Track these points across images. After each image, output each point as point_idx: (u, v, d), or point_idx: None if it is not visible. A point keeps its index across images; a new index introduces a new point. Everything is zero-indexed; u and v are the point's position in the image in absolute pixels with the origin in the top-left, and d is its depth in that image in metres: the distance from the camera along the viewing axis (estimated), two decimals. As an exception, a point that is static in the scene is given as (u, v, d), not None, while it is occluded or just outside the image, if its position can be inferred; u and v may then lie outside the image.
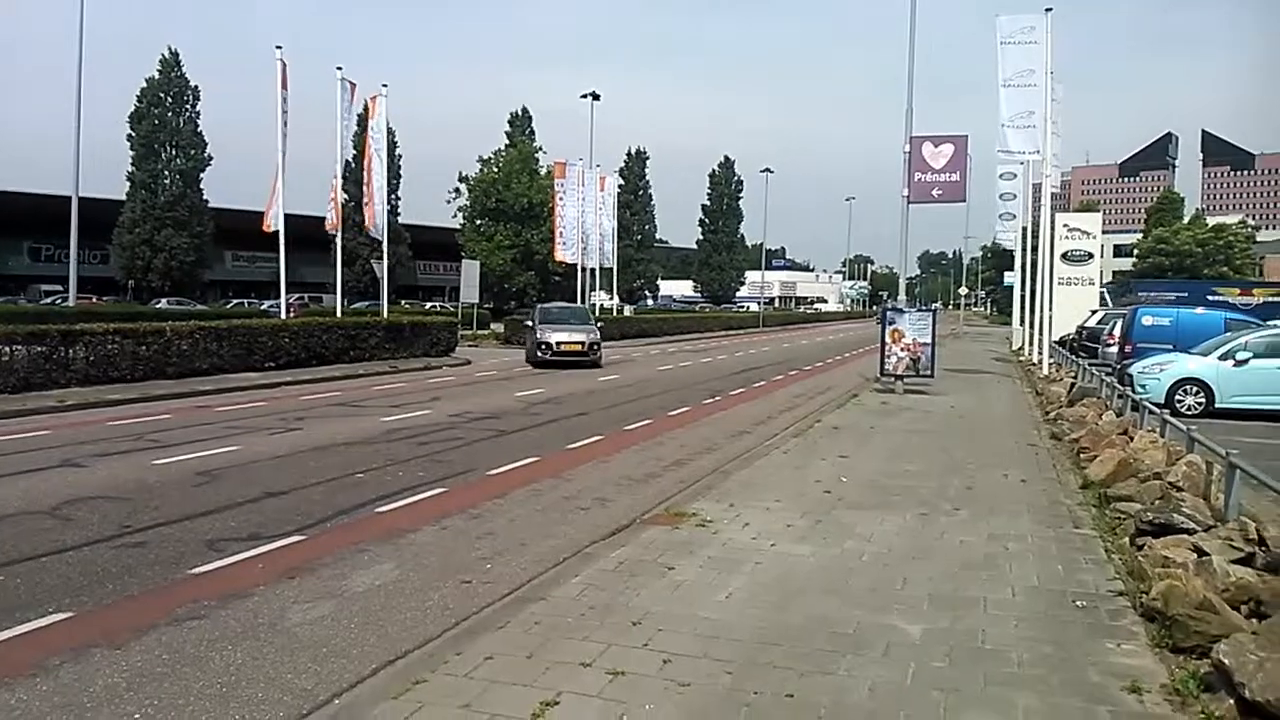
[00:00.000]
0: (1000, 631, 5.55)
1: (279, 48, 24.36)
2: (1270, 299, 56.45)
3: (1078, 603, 6.09)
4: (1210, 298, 49.11)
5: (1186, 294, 50.40)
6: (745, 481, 10.12)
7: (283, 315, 26.10)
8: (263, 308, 45.95)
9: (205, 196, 54.85)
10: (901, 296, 23.30)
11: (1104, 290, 71.63)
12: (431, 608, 6.18)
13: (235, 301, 54.43)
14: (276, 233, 25.38)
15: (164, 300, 49.04)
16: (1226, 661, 4.45)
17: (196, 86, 53.79)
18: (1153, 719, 4.38)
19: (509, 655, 5.09)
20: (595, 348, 26.52)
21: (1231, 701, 4.37)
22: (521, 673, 4.86)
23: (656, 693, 4.64)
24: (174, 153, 53.13)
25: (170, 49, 53.45)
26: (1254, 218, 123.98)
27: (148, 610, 6.00)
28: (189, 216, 53.17)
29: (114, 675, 4.99)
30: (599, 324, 29.44)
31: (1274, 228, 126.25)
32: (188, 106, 53.39)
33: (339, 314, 28.62)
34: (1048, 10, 22.44)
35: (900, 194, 21.62)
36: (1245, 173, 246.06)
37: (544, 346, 26.15)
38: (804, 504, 8.96)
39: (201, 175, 54.44)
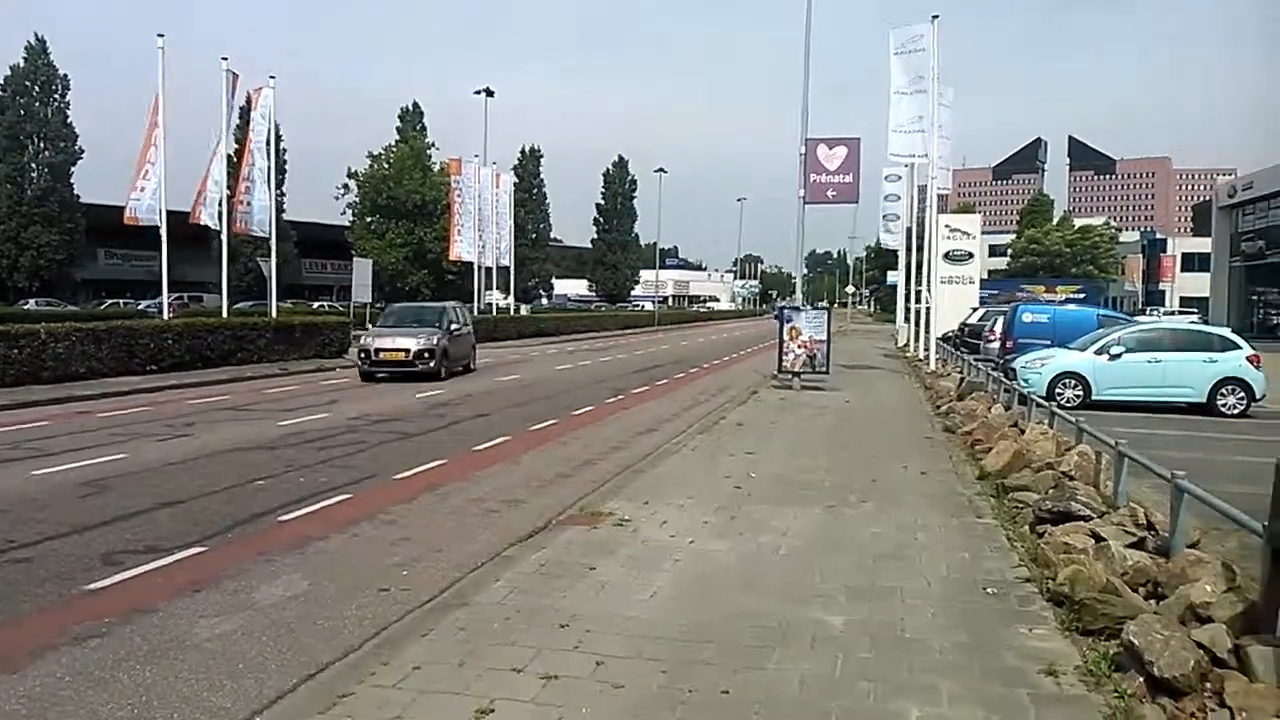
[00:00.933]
0: (918, 621, 5.71)
1: (161, 35, 23.33)
2: (1071, 296, 63.96)
3: (988, 590, 6.32)
4: (1019, 294, 55.86)
5: (998, 291, 54.73)
6: (657, 479, 10.16)
7: (164, 315, 24.97)
8: (140, 308, 43.86)
9: (76, 191, 51.97)
10: (798, 295, 23.81)
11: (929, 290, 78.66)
12: (349, 618, 6.00)
13: (110, 301, 51.71)
14: (152, 230, 24.27)
15: (32, 301, 46.28)
16: (1136, 641, 4.68)
17: (66, 75, 51.00)
18: (1070, 700, 4.57)
19: (437, 663, 4.98)
20: (430, 356, 21.38)
21: (1141, 680, 4.60)
22: (452, 681, 4.76)
23: (592, 695, 4.61)
24: (41, 145, 50.19)
25: (37, 35, 50.53)
26: (1116, 220, 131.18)
27: (43, 630, 5.65)
28: (59, 212, 50.29)
29: (12, 701, 4.67)
30: (454, 328, 23.07)
31: (1134, 230, 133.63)
32: (56, 96, 50.50)
33: (225, 314, 27.51)
34: (934, 17, 23.28)
35: (797, 195, 22.10)
36: (1108, 177, 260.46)
37: (364, 355, 21.80)
38: (717, 500, 9.04)
39: (72, 169, 51.60)
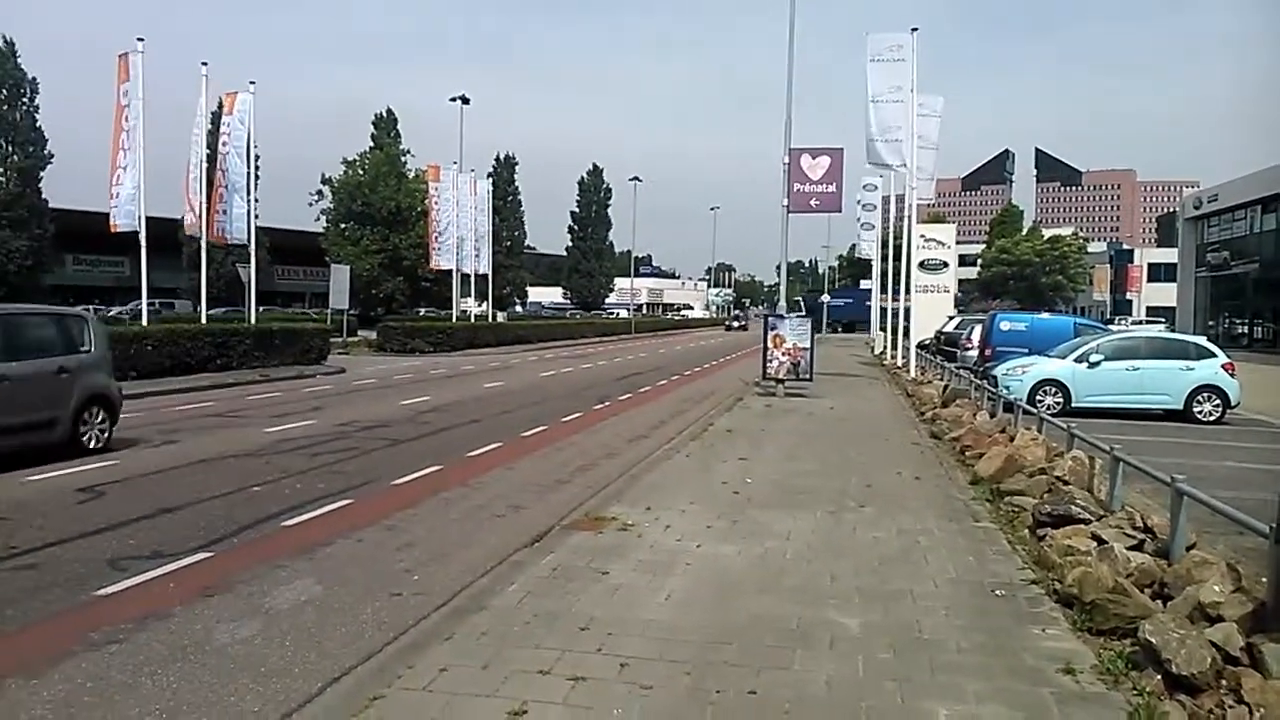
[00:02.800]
0: (933, 622, 5.80)
1: (140, 40, 23.09)
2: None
3: (997, 592, 6.43)
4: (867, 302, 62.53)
5: (852, 299, 59.23)
6: (655, 485, 10.20)
7: (144, 322, 24.69)
8: (111, 314, 43.26)
9: (45, 196, 51.16)
10: (782, 303, 23.93)
11: (799, 300, 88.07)
12: (366, 622, 6.00)
13: (80, 308, 50.86)
14: (122, 235, 24.02)
15: None
16: (1153, 640, 4.80)
17: (35, 79, 50.01)
18: (1092, 698, 4.67)
19: (463, 666, 5.01)
20: None
21: (1159, 677, 4.71)
22: (481, 683, 4.79)
23: (621, 697, 4.65)
24: (10, 149, 49.29)
25: (5, 38, 49.69)
26: (1082, 230, 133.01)
27: (59, 636, 5.62)
28: (28, 217, 49.43)
29: (38, 707, 4.64)
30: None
31: (1101, 240, 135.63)
32: (24, 100, 49.63)
33: (203, 320, 27.26)
34: (914, 30, 23.58)
35: (780, 204, 22.24)
36: (1074, 188, 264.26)
37: None
38: (717, 505, 9.11)
39: (41, 174, 50.76)
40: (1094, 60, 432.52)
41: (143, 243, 23.32)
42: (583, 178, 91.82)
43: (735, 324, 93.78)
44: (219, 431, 14.29)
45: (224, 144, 28.88)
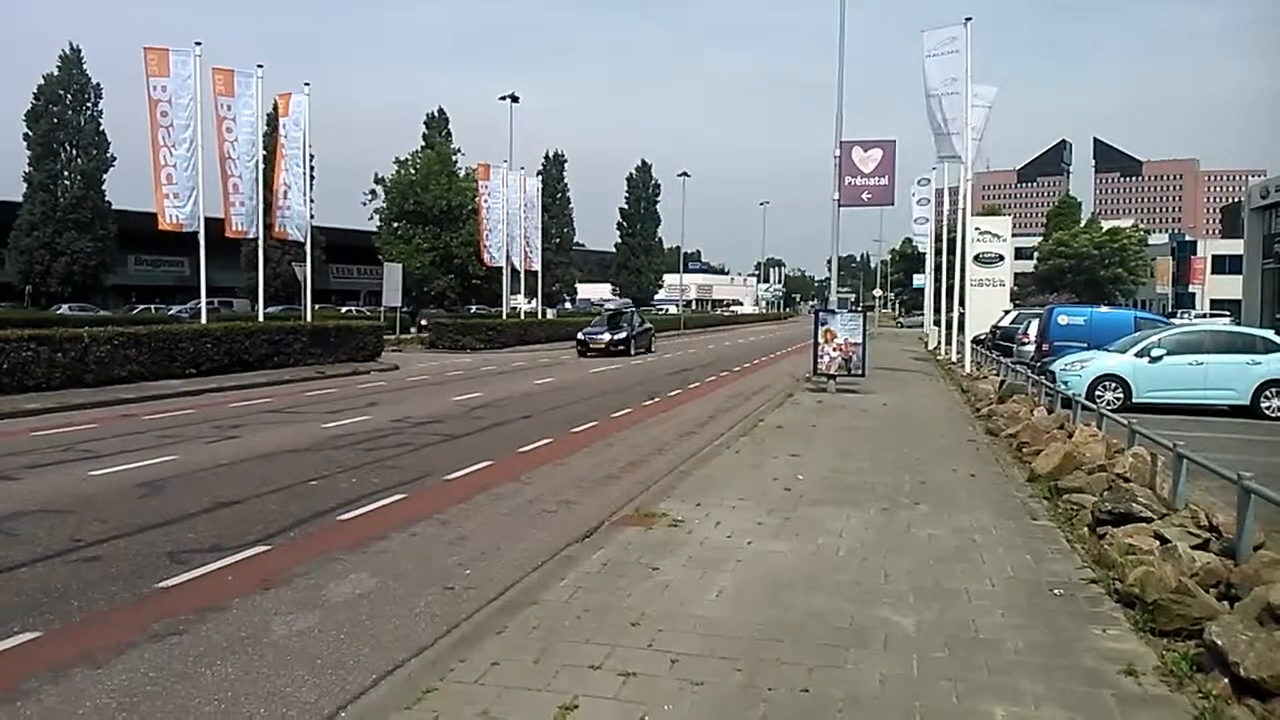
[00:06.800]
0: (990, 621, 5.70)
1: (198, 43, 23.52)
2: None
3: (1055, 591, 6.29)
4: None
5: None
6: (705, 481, 10.17)
7: (203, 320, 25.21)
8: (172, 312, 44.33)
9: (108, 198, 52.60)
10: (833, 298, 23.74)
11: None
12: (420, 615, 6.07)
13: (141, 306, 52.26)
14: (184, 235, 24.52)
15: (65, 306, 46.84)
16: (1220, 642, 4.65)
17: (99, 84, 51.56)
18: (1155, 700, 4.55)
19: (515, 660, 5.03)
20: None
21: (1226, 680, 4.57)
22: (532, 678, 4.80)
23: (672, 693, 4.64)
24: (75, 153, 50.80)
25: (72, 45, 51.18)
26: (1143, 222, 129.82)
27: (122, 626, 5.74)
28: (92, 219, 50.91)
29: (101, 696, 4.76)
30: None
31: (1162, 231, 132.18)
32: (89, 105, 51.11)
33: (260, 318, 27.78)
34: (967, 20, 23.17)
35: (831, 198, 22.02)
36: (1134, 179, 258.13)
37: None
38: (768, 502, 9.05)
39: (104, 176, 52.20)
40: (1155, 45, 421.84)
41: (201, 242, 23.80)
42: (631, 174, 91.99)
43: (604, 336, 35.79)
44: (276, 427, 14.55)
45: (282, 145, 29.39)
